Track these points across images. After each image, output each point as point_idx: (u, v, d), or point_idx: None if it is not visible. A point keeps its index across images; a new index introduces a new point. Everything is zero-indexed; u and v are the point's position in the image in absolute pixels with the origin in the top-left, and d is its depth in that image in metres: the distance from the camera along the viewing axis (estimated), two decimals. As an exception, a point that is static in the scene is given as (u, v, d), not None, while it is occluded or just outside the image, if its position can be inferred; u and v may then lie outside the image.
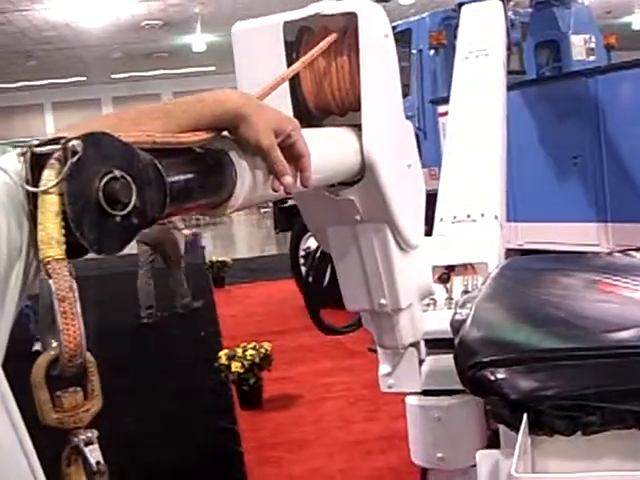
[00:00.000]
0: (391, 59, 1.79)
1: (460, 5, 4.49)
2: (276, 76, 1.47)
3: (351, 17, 1.66)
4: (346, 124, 1.75)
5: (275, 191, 1.19)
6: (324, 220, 1.90)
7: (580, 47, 6.88)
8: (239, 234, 23.84)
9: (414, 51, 7.54)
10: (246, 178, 1.15)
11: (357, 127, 1.71)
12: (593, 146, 5.74)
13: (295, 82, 1.74)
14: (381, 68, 1.75)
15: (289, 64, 1.67)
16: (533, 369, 1.47)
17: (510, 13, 4.78)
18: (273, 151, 1.13)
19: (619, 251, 2.48)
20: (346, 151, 1.65)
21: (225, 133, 1.14)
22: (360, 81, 1.69)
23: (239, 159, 1.14)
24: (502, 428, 1.59)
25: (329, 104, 1.78)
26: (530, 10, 7.10)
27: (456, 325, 1.75)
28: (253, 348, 5.50)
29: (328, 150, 1.56)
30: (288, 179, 1.15)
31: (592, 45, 6.99)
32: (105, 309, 9.12)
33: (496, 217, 2.92)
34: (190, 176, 1.03)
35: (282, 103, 1.62)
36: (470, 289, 2.47)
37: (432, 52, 7.40)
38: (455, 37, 4.41)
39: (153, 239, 8.99)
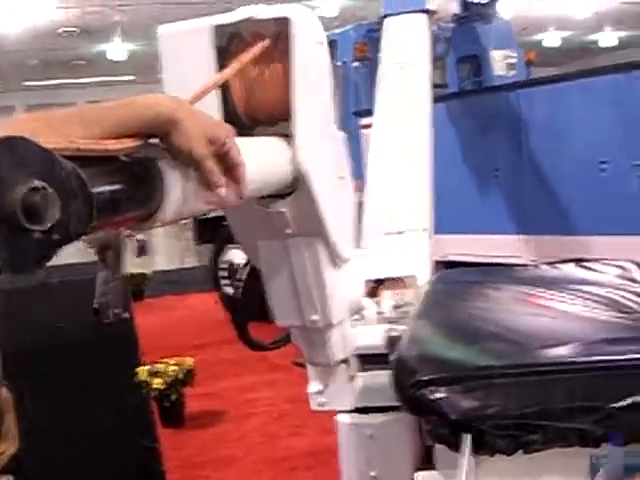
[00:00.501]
0: (324, 67, 1.73)
1: (385, 17, 4.48)
2: (206, 82, 1.40)
3: (283, 22, 1.59)
4: (278, 134, 1.68)
5: (208, 204, 1.11)
6: (254, 233, 1.82)
7: (501, 62, 7.00)
8: (158, 246, 23.43)
9: (338, 63, 7.54)
10: (176, 190, 1.07)
11: (289, 137, 1.65)
12: (513, 159, 5.81)
13: (225, 89, 1.67)
14: (313, 76, 1.69)
15: (219, 70, 1.60)
16: (473, 388, 1.43)
17: (434, 27, 4.80)
18: (207, 161, 1.05)
19: (546, 263, 2.48)
20: (278, 161, 1.59)
21: (154, 140, 1.06)
22: (291, 89, 1.63)
23: (169, 169, 1.06)
24: (439, 447, 1.55)
25: (260, 113, 1.71)
26: (452, 25, 7.18)
27: (392, 342, 1.70)
28: (175, 363, 5.37)
29: (259, 160, 1.49)
30: (223, 191, 1.08)
31: (512, 60, 7.11)
32: (18, 326, 8.79)
33: (425, 229, 2.89)
34: (116, 187, 0.95)
35: (212, 111, 1.55)
36: (400, 303, 2.43)
37: (356, 64, 7.41)
38: (379, 50, 4.40)
39: (101, 242, 8.56)
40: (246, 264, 2.12)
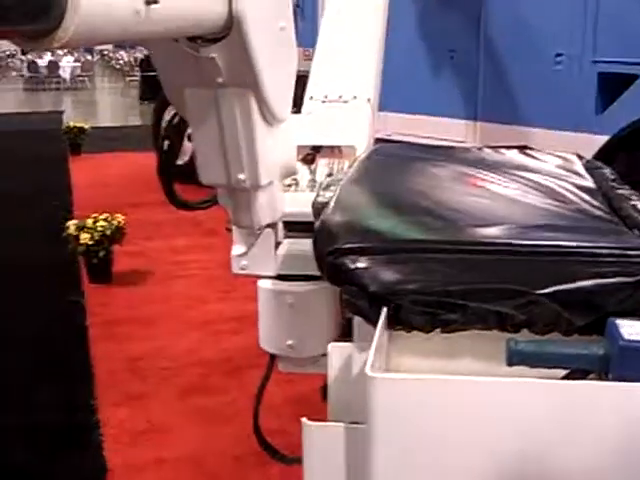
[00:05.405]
0: None
1: None
2: None
3: None
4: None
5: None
6: (182, 80, 1.69)
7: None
8: (102, 102, 22.81)
9: None
10: (81, 2, 0.93)
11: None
12: (471, 43, 5.65)
13: None
14: None
15: None
16: (396, 260, 1.35)
17: None
18: None
19: (489, 147, 2.40)
20: (212, -1, 1.44)
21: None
22: None
23: None
24: (357, 319, 1.49)
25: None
26: None
27: (318, 208, 1.61)
28: (105, 220, 5.24)
29: (191, -6, 1.35)
30: None
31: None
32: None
33: (369, 100, 2.78)
34: None
35: None
36: (335, 172, 2.35)
37: None
38: None
39: None
40: (174, 116, 1.99)
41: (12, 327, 4.65)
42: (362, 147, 2.41)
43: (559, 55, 5.11)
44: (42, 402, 3.71)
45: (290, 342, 2.15)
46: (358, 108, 2.69)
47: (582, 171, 2.07)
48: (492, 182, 1.86)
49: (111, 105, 21.60)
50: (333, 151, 2.43)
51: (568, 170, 2.08)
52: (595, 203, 1.77)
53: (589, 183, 1.95)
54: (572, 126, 5.00)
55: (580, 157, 2.25)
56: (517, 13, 5.39)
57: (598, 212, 1.71)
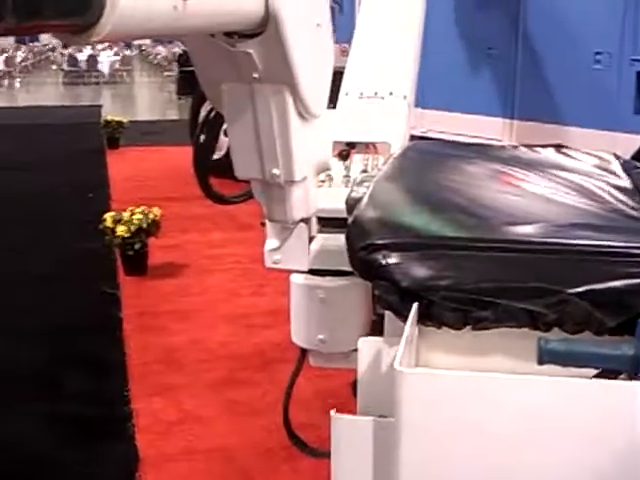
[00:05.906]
0: None
1: None
2: None
3: None
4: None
5: None
6: (219, 75, 1.71)
7: None
8: (140, 96, 23.00)
9: None
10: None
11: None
12: (510, 40, 5.61)
13: None
14: None
15: None
16: (428, 256, 1.36)
17: None
18: None
19: (524, 145, 2.38)
20: (248, -5, 1.46)
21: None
22: None
23: None
24: (388, 315, 1.50)
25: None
26: None
27: (351, 203, 1.62)
28: (141, 212, 5.29)
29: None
30: None
31: None
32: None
33: (405, 97, 2.78)
34: None
35: None
36: (369, 169, 2.35)
37: None
38: None
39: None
40: (210, 111, 2.01)
41: (48, 318, 4.72)
42: (397, 144, 2.41)
43: (598, 53, 5.05)
44: (76, 392, 3.77)
45: (321, 337, 2.16)
46: (394, 105, 2.69)
47: (619, 171, 2.05)
48: (526, 181, 1.86)
49: (149, 99, 21.77)
50: (368, 147, 2.44)
51: (604, 170, 2.06)
52: (631, 203, 1.75)
53: (626, 183, 1.93)
54: (610, 125, 4.94)
55: (617, 157, 2.23)
56: (556, 11, 5.33)
57: (634, 212, 1.70)
